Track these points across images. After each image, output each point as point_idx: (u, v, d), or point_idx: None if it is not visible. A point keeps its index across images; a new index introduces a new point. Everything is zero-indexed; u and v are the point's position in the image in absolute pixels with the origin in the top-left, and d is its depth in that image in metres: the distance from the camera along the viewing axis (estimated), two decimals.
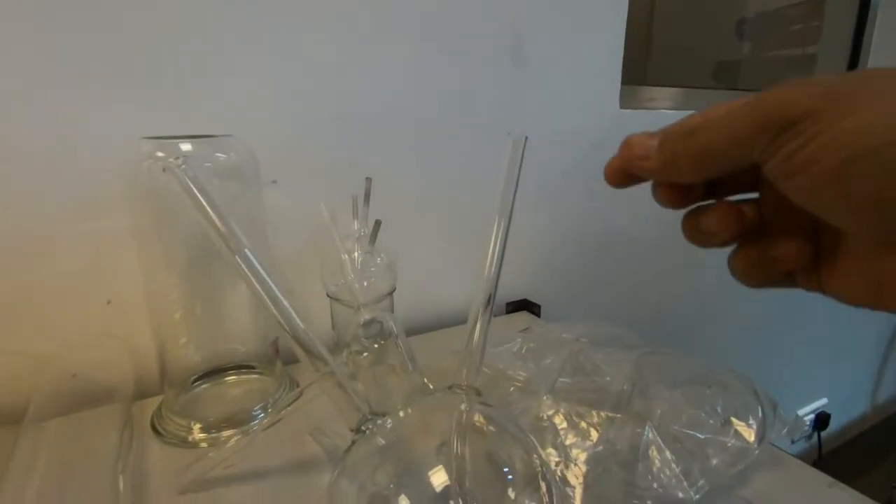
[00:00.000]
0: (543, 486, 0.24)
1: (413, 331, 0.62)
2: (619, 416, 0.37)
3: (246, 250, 0.25)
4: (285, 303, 0.25)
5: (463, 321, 0.63)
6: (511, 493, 0.23)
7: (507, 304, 0.69)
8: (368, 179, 0.47)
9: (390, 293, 0.51)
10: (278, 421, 0.35)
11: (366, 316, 0.31)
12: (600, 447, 0.34)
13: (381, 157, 0.57)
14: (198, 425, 0.42)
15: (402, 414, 0.24)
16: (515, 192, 0.29)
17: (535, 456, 0.25)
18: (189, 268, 0.42)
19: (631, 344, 0.48)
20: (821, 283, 0.19)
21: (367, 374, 0.29)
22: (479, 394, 0.27)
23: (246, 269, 0.25)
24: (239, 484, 0.36)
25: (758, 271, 0.20)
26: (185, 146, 0.38)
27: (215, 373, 0.47)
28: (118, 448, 0.37)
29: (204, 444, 0.41)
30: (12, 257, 0.43)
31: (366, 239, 0.48)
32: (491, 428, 0.25)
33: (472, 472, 0.23)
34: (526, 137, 0.30)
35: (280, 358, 0.47)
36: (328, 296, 0.48)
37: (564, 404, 0.37)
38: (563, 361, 0.42)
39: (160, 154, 0.37)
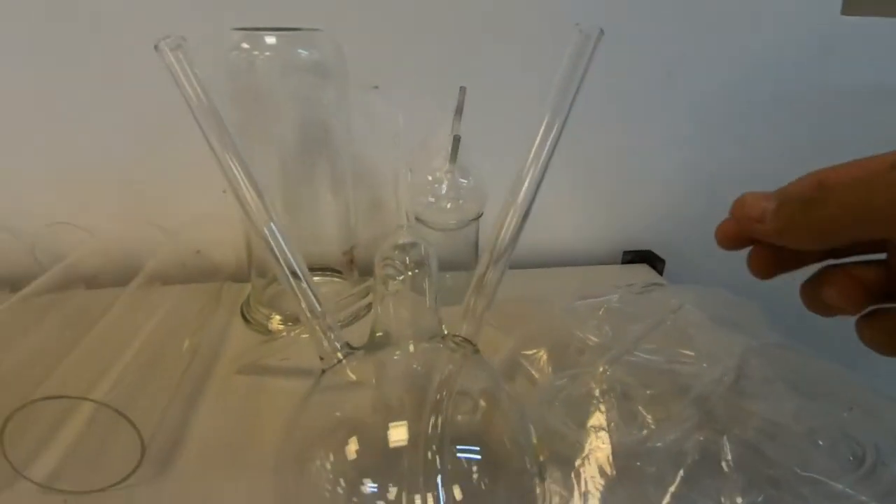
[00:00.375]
0: (528, 477, 0.19)
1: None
2: (693, 413, 0.29)
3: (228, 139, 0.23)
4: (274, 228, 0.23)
5: (568, 263, 0.57)
6: (478, 476, 0.19)
7: (625, 253, 0.60)
8: (462, 89, 0.41)
9: (476, 218, 0.47)
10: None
11: (403, 238, 0.28)
12: (649, 444, 0.27)
13: (486, 67, 0.51)
14: (277, 317, 0.45)
15: (373, 355, 0.21)
16: (576, 95, 0.22)
17: (523, 441, 0.20)
18: (282, 166, 0.43)
19: (754, 328, 0.38)
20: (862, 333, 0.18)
21: (386, 301, 0.26)
22: (476, 351, 0.23)
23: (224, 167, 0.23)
24: (286, 377, 0.37)
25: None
26: (270, 39, 0.37)
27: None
28: (199, 317, 0.42)
29: (283, 335, 0.44)
30: (153, 138, 0.48)
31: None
32: (479, 400, 0.21)
33: (442, 443, 0.19)
34: (601, 30, 0.22)
35: (357, 268, 0.47)
36: (406, 215, 0.46)
37: (628, 382, 0.31)
38: (648, 330, 0.35)
39: (245, 46, 0.37)
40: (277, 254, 0.23)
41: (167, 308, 0.43)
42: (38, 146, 0.49)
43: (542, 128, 0.24)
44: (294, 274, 0.23)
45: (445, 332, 0.22)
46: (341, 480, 0.18)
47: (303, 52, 0.38)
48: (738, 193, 0.20)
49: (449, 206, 0.45)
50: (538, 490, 0.20)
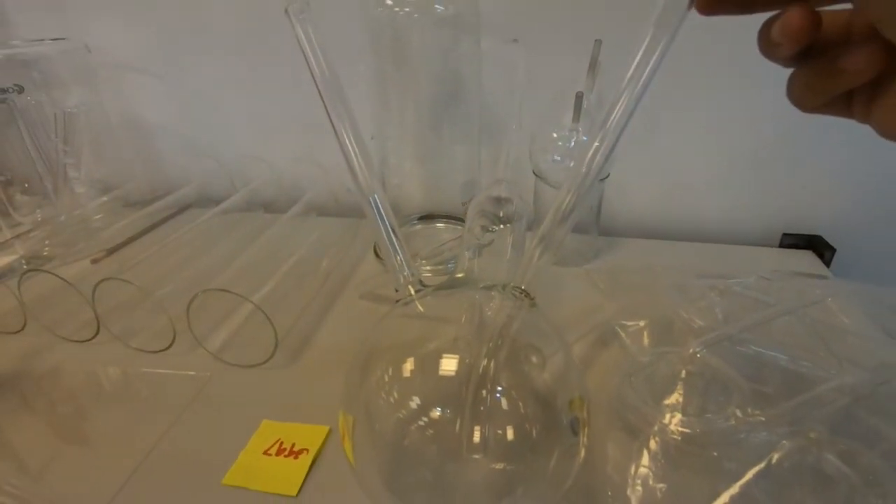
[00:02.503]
0: (559, 429, 0.20)
1: (632, 232, 0.54)
2: (800, 417, 0.26)
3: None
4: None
5: (718, 240, 0.52)
6: (511, 419, 0.20)
7: (784, 236, 0.52)
8: (597, 43, 0.39)
9: (601, 180, 0.45)
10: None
11: (498, 192, 0.29)
12: (730, 437, 0.25)
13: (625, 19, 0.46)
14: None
15: (440, 296, 0.23)
16: (689, 8, 0.20)
17: (562, 394, 0.21)
18: (417, 117, 0.46)
19: None
20: (869, 113, 0.19)
21: (472, 248, 0.28)
22: (533, 304, 0.23)
23: (339, 139, 0.26)
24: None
25: (818, 88, 0.19)
26: None
27: (430, 217, 0.53)
28: (337, 247, 0.49)
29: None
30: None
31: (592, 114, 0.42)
32: (526, 350, 0.22)
33: (490, 382, 0.21)
34: None
35: None
36: (533, 172, 0.46)
37: (725, 371, 0.28)
38: (766, 320, 0.31)
39: (389, 2, 0.40)
40: (376, 216, 0.26)
41: (316, 235, 0.51)
42: (242, 102, 0.60)
43: (643, 48, 0.21)
44: (387, 229, 0.26)
45: (508, 283, 0.23)
46: (394, 393, 0.22)
47: (439, 8, 0.39)
48: None
49: (573, 165, 0.44)
50: (567, 443, 0.21)
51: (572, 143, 0.43)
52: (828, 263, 0.49)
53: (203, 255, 0.46)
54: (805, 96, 0.20)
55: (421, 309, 0.25)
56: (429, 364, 0.22)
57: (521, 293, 0.23)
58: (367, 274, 0.48)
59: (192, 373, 0.36)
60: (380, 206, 0.26)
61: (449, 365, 0.22)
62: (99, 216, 0.56)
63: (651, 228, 0.55)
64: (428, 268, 0.46)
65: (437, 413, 0.22)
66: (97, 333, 0.39)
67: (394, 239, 0.26)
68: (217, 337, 0.38)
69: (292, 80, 0.55)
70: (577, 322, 0.40)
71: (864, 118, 0.19)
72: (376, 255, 0.52)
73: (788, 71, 0.21)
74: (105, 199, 0.57)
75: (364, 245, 0.53)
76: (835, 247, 0.49)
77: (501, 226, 0.29)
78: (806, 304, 0.32)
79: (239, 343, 0.38)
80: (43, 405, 0.35)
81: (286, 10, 0.24)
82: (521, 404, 0.22)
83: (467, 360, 0.21)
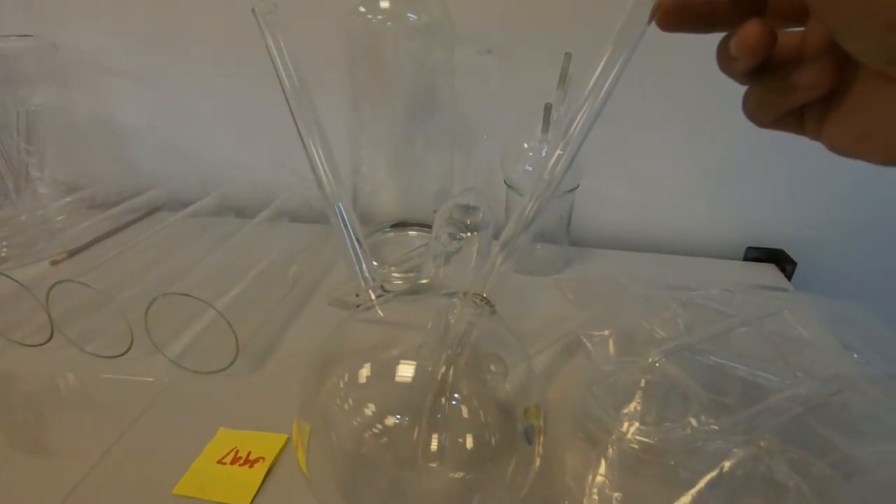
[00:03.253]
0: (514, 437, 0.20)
1: (602, 243, 0.55)
2: (754, 427, 0.26)
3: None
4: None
5: (685, 252, 0.53)
6: (465, 427, 0.20)
7: (749, 249, 0.53)
8: (567, 56, 0.40)
9: (570, 190, 0.46)
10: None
11: (466, 200, 0.29)
12: (686, 446, 0.25)
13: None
14: (374, 263, 0.50)
15: (401, 301, 0.23)
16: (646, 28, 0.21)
17: (519, 402, 0.21)
18: (391, 125, 0.46)
19: (876, 354, 0.32)
20: (820, 129, 0.19)
21: (438, 256, 0.28)
22: (493, 311, 0.23)
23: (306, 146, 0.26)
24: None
25: (772, 103, 0.20)
26: (384, 3, 0.39)
27: (403, 225, 0.53)
28: (306, 253, 0.49)
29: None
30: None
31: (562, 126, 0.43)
32: (484, 358, 0.22)
33: (448, 390, 0.21)
34: None
35: None
36: (504, 182, 0.47)
37: (684, 380, 0.29)
38: (724, 331, 0.32)
39: (362, 9, 0.40)
40: (340, 224, 0.26)
41: (287, 241, 0.50)
42: (219, 105, 0.59)
43: (604, 60, 0.22)
44: (350, 237, 0.26)
45: (469, 291, 0.23)
46: (351, 400, 0.21)
47: (412, 16, 0.40)
48: None
49: (535, 172, 0.45)
50: (522, 451, 0.21)
51: (543, 154, 0.44)
52: (789, 277, 0.50)
53: (169, 258, 0.45)
54: (759, 111, 0.20)
55: (381, 314, 0.25)
56: (386, 371, 0.22)
57: (482, 301, 0.23)
58: (337, 280, 0.48)
59: (149, 379, 0.35)
60: (344, 214, 0.26)
61: (407, 372, 0.22)
62: (62, 217, 0.54)
63: (621, 240, 0.56)
64: (397, 275, 0.46)
65: (393, 421, 0.21)
66: (51, 337, 0.37)
67: (356, 246, 0.26)
68: (178, 342, 0.37)
69: (270, 84, 0.54)
70: (545, 331, 0.40)
71: (815, 134, 0.20)
72: None
73: None
74: (69, 199, 0.55)
75: (335, 251, 0.53)
76: (796, 261, 0.50)
77: (468, 234, 0.29)
78: (763, 315, 0.33)
79: (200, 349, 0.37)
80: None
81: (253, 10, 0.24)
82: (477, 412, 0.22)
83: (426, 368, 0.21)
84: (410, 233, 0.53)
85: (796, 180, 0.51)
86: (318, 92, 0.47)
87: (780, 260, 0.51)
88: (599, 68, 0.23)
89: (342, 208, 0.26)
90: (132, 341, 0.36)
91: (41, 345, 0.38)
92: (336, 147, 0.47)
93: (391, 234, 0.53)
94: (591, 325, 0.38)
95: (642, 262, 0.52)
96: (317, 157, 0.26)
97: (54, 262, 0.44)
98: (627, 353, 0.34)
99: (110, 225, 0.54)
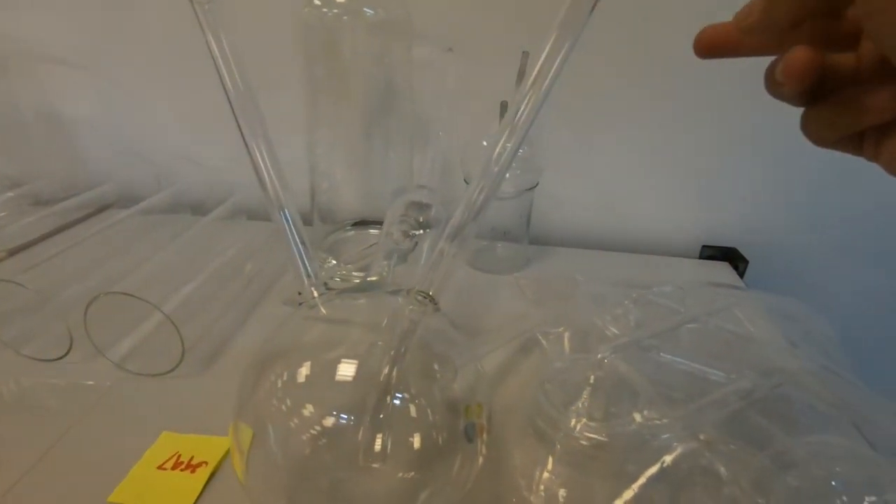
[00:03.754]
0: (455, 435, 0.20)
1: (563, 241, 0.56)
2: (697, 421, 0.27)
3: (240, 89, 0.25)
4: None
5: (643, 251, 0.53)
6: (408, 425, 0.20)
7: (704, 248, 0.54)
8: (525, 54, 0.40)
9: (530, 189, 0.46)
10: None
11: (419, 198, 0.29)
12: (631, 441, 0.26)
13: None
14: (333, 262, 0.49)
15: (346, 299, 0.23)
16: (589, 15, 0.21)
17: (461, 400, 0.21)
18: (348, 121, 0.46)
19: (815, 348, 0.33)
20: (879, 153, 0.19)
21: (389, 253, 0.27)
22: (437, 309, 0.23)
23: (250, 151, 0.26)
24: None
25: (838, 124, 0.19)
26: None
27: (364, 223, 0.52)
28: (262, 252, 0.47)
29: (337, 278, 0.48)
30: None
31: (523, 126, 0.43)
32: (426, 356, 0.22)
33: (391, 390, 0.20)
34: None
35: None
36: (465, 181, 0.47)
37: (633, 376, 0.29)
38: (671, 327, 0.32)
39: (317, 2, 0.39)
40: (284, 223, 0.26)
41: (244, 239, 0.49)
42: (174, 98, 0.57)
43: (546, 50, 0.22)
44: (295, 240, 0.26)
45: (413, 288, 0.23)
46: (288, 400, 0.21)
47: (369, 11, 0.39)
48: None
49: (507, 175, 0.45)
50: (464, 450, 0.21)
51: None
52: (741, 274, 0.51)
53: (118, 257, 0.43)
54: (824, 132, 0.20)
55: (324, 312, 0.24)
56: (327, 370, 0.22)
57: (425, 298, 0.22)
58: (293, 278, 0.47)
59: (90, 382, 0.33)
60: (288, 215, 0.26)
61: (348, 371, 0.21)
62: (3, 214, 0.51)
63: (581, 238, 0.57)
64: (356, 273, 0.45)
65: (334, 421, 0.21)
66: None
67: (299, 245, 0.26)
68: (123, 344, 0.36)
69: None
70: (504, 329, 0.40)
71: (873, 156, 0.20)
72: None
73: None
74: (11, 195, 0.53)
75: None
76: (748, 259, 0.52)
77: (421, 231, 0.29)
78: (712, 312, 0.34)
79: (146, 351, 0.36)
80: None
81: (191, 1, 0.23)
82: (420, 412, 0.22)
83: (373, 366, 0.21)
84: (372, 231, 0.52)
85: (750, 181, 0.52)
86: (273, 86, 0.47)
87: (733, 258, 0.53)
88: (543, 56, 0.23)
89: (287, 211, 0.26)
90: (71, 344, 0.34)
91: None
92: (293, 143, 0.46)
93: (352, 233, 0.52)
94: (548, 322, 0.38)
95: (602, 260, 0.53)
96: (260, 159, 0.26)
97: None
98: (581, 350, 0.34)
99: (57, 222, 0.51)
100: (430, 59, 0.44)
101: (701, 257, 0.55)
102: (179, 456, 0.27)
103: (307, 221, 0.52)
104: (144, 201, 0.51)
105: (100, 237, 0.46)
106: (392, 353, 0.21)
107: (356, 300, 0.25)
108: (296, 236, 0.26)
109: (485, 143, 0.45)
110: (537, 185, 0.46)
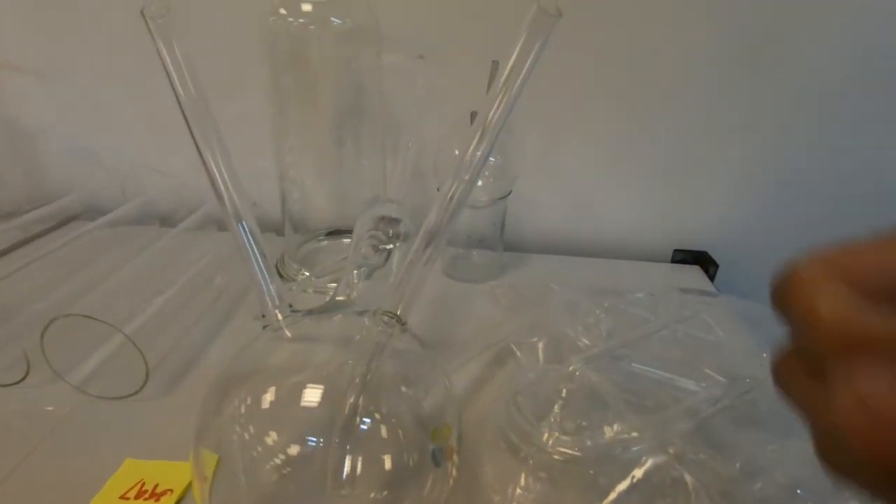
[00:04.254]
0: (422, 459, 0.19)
1: (538, 248, 0.56)
2: (667, 431, 0.27)
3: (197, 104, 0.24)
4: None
5: (617, 256, 0.54)
6: (374, 450, 0.20)
7: (675, 252, 0.55)
8: (494, 63, 0.40)
9: (503, 197, 0.46)
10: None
11: (387, 211, 0.28)
12: (602, 452, 0.26)
13: None
14: (307, 273, 0.48)
15: (312, 321, 0.22)
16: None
17: (428, 423, 0.20)
18: (318, 129, 0.45)
19: None
20: None
21: (359, 270, 0.27)
22: (405, 329, 0.23)
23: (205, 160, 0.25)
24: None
25: None
26: (306, 6, 0.38)
27: (338, 233, 0.51)
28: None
29: (310, 290, 0.47)
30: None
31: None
32: (393, 378, 0.22)
33: (356, 414, 0.20)
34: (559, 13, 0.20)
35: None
36: (437, 188, 0.46)
37: (605, 387, 0.29)
38: (641, 336, 0.32)
39: (283, 11, 0.38)
40: (245, 243, 0.25)
41: (213, 250, 0.48)
42: (140, 105, 0.56)
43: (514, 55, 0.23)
44: (253, 254, 0.25)
45: (379, 309, 0.23)
46: (251, 426, 0.20)
47: (336, 21, 0.39)
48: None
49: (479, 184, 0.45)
50: (433, 474, 0.21)
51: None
52: (712, 278, 0.52)
53: (81, 272, 0.42)
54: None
55: (289, 335, 0.24)
56: (291, 394, 0.21)
57: (392, 318, 0.22)
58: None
59: (49, 408, 0.32)
60: (248, 232, 0.25)
61: (314, 396, 0.21)
62: None
63: (556, 244, 0.57)
64: (330, 285, 0.44)
65: (300, 449, 0.20)
66: None
67: (261, 264, 0.25)
68: (84, 367, 0.35)
69: None
70: (479, 339, 0.40)
71: None
72: (278, 271, 0.50)
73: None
74: None
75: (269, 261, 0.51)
76: (718, 263, 0.53)
77: (391, 245, 0.28)
78: (680, 319, 0.34)
79: (109, 373, 0.35)
80: None
81: (141, 12, 0.22)
82: (389, 435, 0.21)
83: (335, 391, 0.20)
84: (345, 240, 0.52)
85: (721, 185, 0.53)
86: (239, 94, 0.46)
87: (703, 262, 0.54)
88: (511, 61, 0.23)
89: (246, 226, 0.25)
90: (28, 367, 0.33)
91: None
92: (262, 151, 0.45)
93: (325, 243, 0.51)
94: (522, 332, 0.38)
95: (576, 266, 0.53)
96: (215, 168, 0.25)
97: None
98: (554, 360, 0.34)
99: (18, 235, 0.50)
100: (400, 66, 0.44)
101: (673, 261, 0.55)
102: (143, 484, 0.26)
103: (279, 232, 0.52)
104: (110, 213, 0.49)
105: (64, 251, 0.45)
106: (358, 379, 0.21)
107: (322, 321, 0.25)
108: (256, 253, 0.25)
109: (457, 153, 0.44)
110: (510, 192, 0.46)
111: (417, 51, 0.42)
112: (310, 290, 0.45)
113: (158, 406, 0.33)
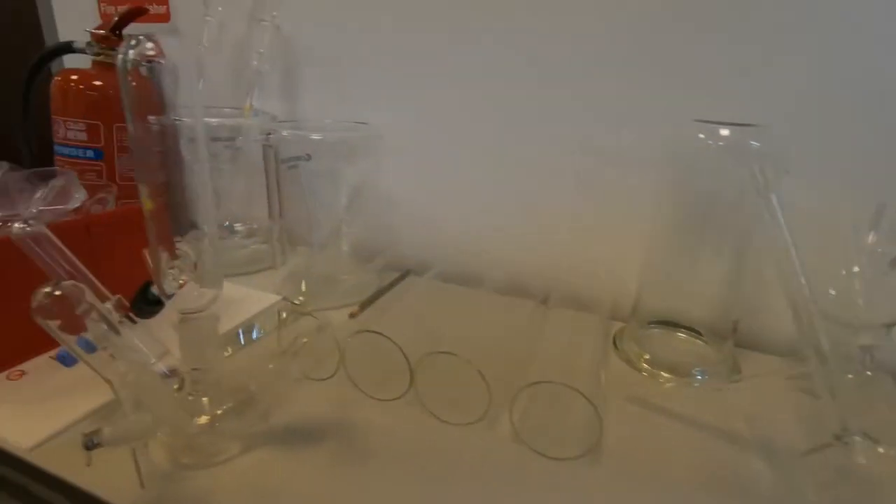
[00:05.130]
0: None
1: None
2: None
3: None
4: None
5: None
6: None
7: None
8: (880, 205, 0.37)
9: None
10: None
11: None
12: None
13: None
14: (646, 356, 0.50)
15: None
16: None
17: None
18: (681, 233, 0.49)
19: None
20: None
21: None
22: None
23: None
24: (666, 417, 0.42)
25: None
26: (724, 131, 0.42)
27: (670, 323, 0.53)
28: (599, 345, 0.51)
29: (644, 373, 0.49)
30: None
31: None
32: None
33: None
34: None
35: (734, 339, 0.49)
36: None
37: None
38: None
39: (701, 136, 0.43)
40: None
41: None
42: None
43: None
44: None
45: None
46: None
47: (754, 144, 0.42)
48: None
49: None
50: None
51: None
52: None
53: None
54: None
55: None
56: None
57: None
58: (616, 369, 0.50)
59: None
60: None
61: None
62: None
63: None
64: None
65: None
66: None
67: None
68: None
69: None
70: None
71: None
72: (615, 345, 0.53)
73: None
74: None
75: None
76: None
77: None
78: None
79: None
80: None
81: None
82: None
83: None
84: (679, 333, 0.53)
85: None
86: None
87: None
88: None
89: None
90: None
91: None
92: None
93: (658, 330, 0.53)
94: None
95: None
96: None
97: None
98: None
99: None
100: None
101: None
102: None
103: (625, 319, 0.55)
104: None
105: None
106: None
107: None
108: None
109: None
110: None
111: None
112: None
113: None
